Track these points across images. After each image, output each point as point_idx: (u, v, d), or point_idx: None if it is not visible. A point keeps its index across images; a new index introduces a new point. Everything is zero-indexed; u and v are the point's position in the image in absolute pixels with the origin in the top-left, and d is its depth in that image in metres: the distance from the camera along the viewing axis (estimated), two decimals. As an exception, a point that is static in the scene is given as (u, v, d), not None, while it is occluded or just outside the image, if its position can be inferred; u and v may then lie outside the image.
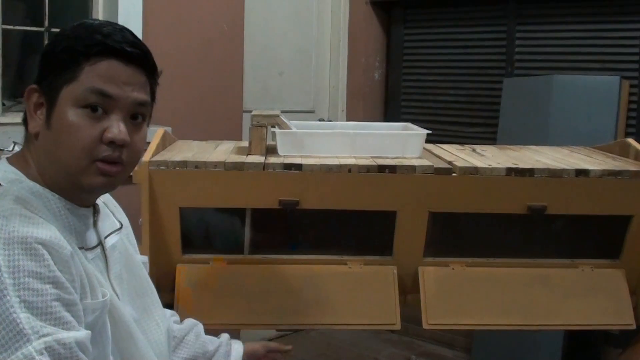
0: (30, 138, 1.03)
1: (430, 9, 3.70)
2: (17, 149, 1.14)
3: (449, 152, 1.90)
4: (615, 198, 1.72)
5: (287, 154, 1.71)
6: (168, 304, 1.55)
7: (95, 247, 1.09)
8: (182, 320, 1.43)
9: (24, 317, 0.86)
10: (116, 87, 0.99)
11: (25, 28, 2.70)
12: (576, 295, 1.78)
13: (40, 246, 0.90)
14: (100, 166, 0.99)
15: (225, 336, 1.45)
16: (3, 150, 1.13)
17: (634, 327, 1.77)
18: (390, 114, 3.87)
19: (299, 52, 3.69)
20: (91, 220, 1.08)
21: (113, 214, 1.20)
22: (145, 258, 1.34)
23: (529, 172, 1.67)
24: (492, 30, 3.50)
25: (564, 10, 3.26)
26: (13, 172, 1.01)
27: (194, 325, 1.42)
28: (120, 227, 1.19)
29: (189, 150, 1.79)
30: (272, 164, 1.62)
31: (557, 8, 3.28)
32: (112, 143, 0.99)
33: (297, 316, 1.69)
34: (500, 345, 3.16)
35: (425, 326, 1.70)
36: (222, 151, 1.78)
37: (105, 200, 1.18)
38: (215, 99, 3.04)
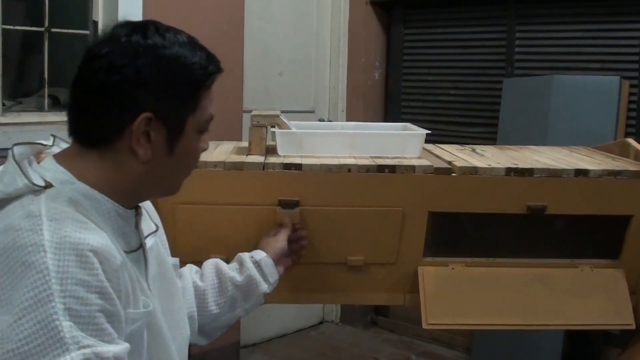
0: (113, 157, 1.00)
1: (430, 8, 3.70)
2: (58, 143, 1.11)
3: (449, 152, 1.90)
4: (615, 198, 1.72)
5: (287, 154, 1.71)
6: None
7: (138, 249, 1.08)
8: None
9: (66, 325, 0.85)
10: None
11: (25, 28, 2.70)
12: (576, 295, 1.78)
13: (91, 254, 0.89)
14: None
15: (248, 263, 1.48)
16: (46, 145, 1.10)
17: (633, 327, 1.77)
18: (390, 114, 3.87)
19: (299, 52, 3.69)
20: (134, 222, 1.08)
21: (149, 216, 1.19)
22: (177, 260, 1.33)
23: (528, 172, 1.67)
24: (492, 31, 3.50)
25: (563, 10, 3.26)
26: (63, 172, 0.99)
27: (213, 268, 1.46)
28: (156, 230, 1.19)
29: (188, 150, 1.78)
30: (272, 163, 1.62)
31: (557, 8, 3.28)
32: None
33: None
34: (500, 345, 3.16)
35: (424, 326, 1.70)
36: (221, 151, 1.78)
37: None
38: (215, 99, 3.04)
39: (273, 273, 1.49)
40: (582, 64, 3.21)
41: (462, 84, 3.62)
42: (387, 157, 1.71)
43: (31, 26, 2.68)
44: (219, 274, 1.45)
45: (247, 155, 1.70)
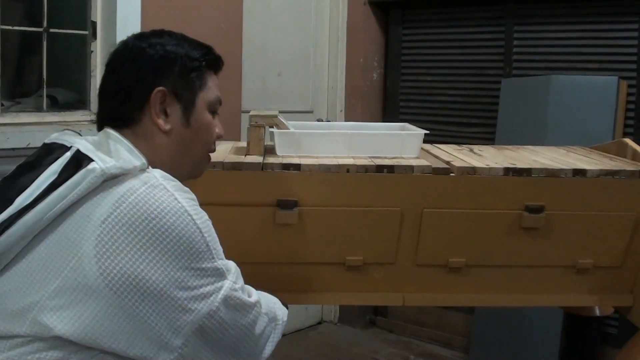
0: (143, 133, 1.20)
1: (429, 9, 3.71)
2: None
3: (447, 152, 1.91)
4: (613, 198, 1.72)
5: (285, 154, 1.71)
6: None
7: None
8: None
9: (231, 264, 1.19)
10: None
11: (24, 28, 2.70)
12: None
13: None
14: (210, 155, 1.34)
15: None
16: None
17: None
18: (388, 114, 3.87)
19: (298, 52, 3.69)
20: None
21: None
22: None
23: (526, 172, 1.68)
24: (491, 31, 3.50)
25: (562, 10, 3.26)
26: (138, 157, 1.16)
27: None
28: None
29: (187, 151, 1.78)
30: (271, 164, 1.62)
31: (555, 8, 3.28)
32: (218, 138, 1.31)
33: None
34: (499, 346, 3.16)
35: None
36: (220, 151, 1.78)
37: None
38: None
39: None
40: (580, 64, 3.21)
41: (460, 84, 3.62)
42: (386, 157, 1.72)
43: (30, 26, 2.68)
44: None
45: (245, 156, 1.70)
